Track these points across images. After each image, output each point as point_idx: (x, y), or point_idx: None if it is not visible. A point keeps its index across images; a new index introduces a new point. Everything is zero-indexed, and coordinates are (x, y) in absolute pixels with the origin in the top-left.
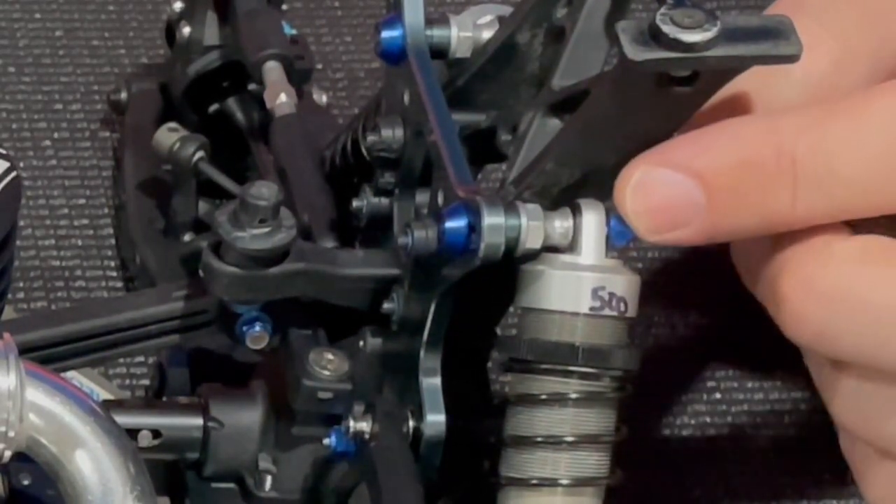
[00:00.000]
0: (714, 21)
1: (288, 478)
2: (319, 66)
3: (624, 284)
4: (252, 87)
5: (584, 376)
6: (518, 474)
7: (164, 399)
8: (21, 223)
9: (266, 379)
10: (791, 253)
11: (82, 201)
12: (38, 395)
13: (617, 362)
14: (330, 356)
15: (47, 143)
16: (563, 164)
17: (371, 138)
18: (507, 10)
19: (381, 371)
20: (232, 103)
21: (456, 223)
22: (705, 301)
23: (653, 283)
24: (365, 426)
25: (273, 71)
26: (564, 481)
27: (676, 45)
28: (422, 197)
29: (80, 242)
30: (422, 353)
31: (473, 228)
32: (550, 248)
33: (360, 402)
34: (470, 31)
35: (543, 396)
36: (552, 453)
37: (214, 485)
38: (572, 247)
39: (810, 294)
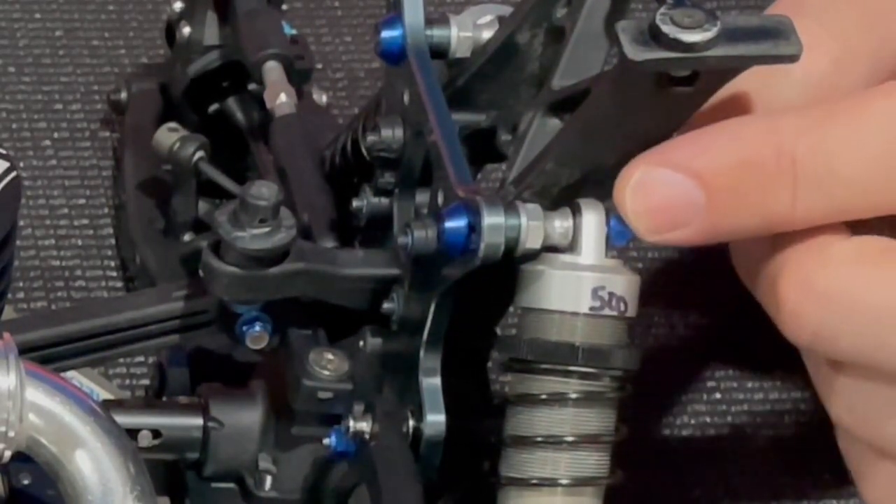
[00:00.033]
0: (714, 21)
1: (288, 478)
2: (319, 66)
3: (624, 284)
4: (252, 87)
5: (584, 376)
6: (518, 474)
7: (164, 399)
8: (21, 223)
9: (266, 379)
10: (789, 253)
11: (82, 201)
12: (38, 395)
13: (617, 362)
14: (330, 356)
15: (47, 143)
16: (562, 164)
17: (371, 138)
18: (507, 10)
19: (381, 371)
20: (232, 103)
21: (456, 223)
22: (705, 301)
23: (653, 283)
24: (365, 426)
25: (273, 71)
26: (564, 481)
27: (676, 45)
28: (422, 197)
29: (80, 242)
30: (422, 353)
31: (473, 228)
32: (550, 248)
33: (360, 402)
34: (470, 31)
35: (543, 396)
36: (552, 453)
37: (214, 485)
38: (572, 247)
39: (808, 294)
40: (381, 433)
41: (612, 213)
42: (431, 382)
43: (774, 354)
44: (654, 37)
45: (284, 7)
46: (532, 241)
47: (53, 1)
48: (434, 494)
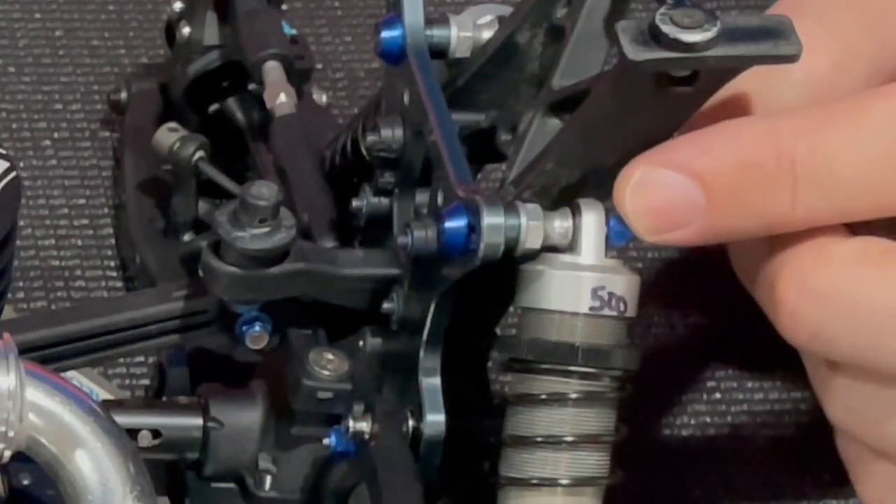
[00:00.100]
0: (714, 21)
1: (288, 478)
2: (319, 66)
3: (624, 284)
4: (252, 87)
5: (583, 376)
6: (518, 474)
7: (164, 399)
8: (21, 223)
9: (266, 379)
10: (788, 254)
11: (82, 201)
12: (37, 395)
13: (617, 362)
14: (330, 356)
15: (47, 143)
16: (562, 164)
17: (371, 138)
18: (507, 10)
19: (380, 371)
20: (232, 103)
21: (456, 223)
22: (705, 301)
23: (653, 283)
24: (365, 426)
25: (273, 71)
26: (564, 481)
27: (676, 45)
28: (422, 197)
29: (80, 242)
30: (421, 353)
31: (473, 228)
32: (550, 248)
33: (359, 402)
34: (470, 31)
35: (543, 396)
36: (552, 453)
37: (214, 485)
38: (572, 247)
39: (807, 295)
40: (381, 433)
41: (611, 213)
42: (431, 382)
43: (774, 354)
44: (654, 37)
45: (284, 7)
46: (532, 241)
47: (53, 1)
48: (434, 494)
